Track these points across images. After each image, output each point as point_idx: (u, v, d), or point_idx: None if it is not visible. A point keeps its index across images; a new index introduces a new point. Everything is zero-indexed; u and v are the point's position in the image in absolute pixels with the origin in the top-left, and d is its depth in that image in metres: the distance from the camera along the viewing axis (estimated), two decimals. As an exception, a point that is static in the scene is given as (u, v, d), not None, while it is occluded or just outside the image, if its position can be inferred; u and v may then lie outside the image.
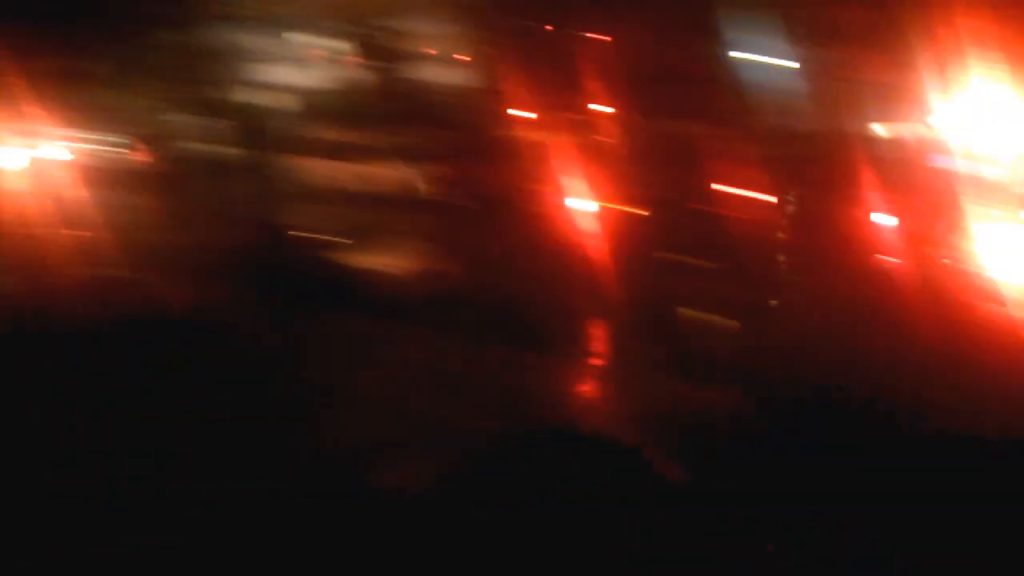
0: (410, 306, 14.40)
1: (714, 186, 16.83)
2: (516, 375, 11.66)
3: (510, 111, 24.24)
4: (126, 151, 31.08)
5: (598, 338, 13.18)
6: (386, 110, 32.03)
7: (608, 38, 25.57)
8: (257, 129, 34.47)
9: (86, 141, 31.81)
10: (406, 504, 8.92)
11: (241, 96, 40.42)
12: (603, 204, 16.43)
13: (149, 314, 14.24)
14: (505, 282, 15.68)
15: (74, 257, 17.40)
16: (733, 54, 19.44)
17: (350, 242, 15.44)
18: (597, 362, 12.56)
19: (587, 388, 11.68)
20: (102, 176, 29.22)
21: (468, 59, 34.34)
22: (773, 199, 16.83)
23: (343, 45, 32.56)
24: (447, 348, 13.00)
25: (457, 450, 9.67)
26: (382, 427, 10.35)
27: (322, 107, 35.75)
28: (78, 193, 23.27)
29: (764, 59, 18.78)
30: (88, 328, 12.63)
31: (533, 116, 19.31)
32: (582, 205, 16.69)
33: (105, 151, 31.51)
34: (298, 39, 39.13)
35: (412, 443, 9.90)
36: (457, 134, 26.81)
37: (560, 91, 19.96)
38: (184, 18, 15.17)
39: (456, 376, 11.87)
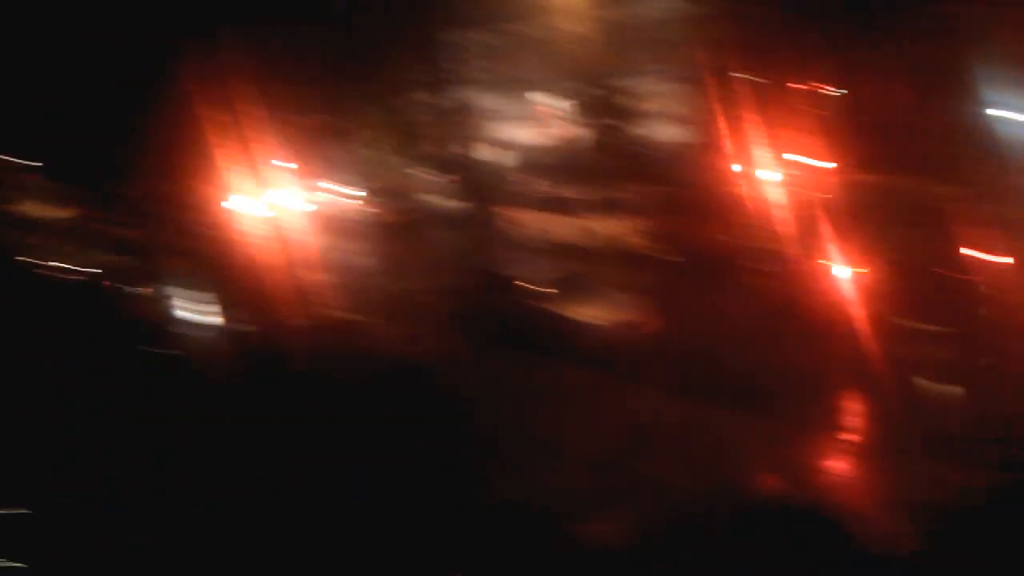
0: (623, 359, 14.27)
1: (951, 247, 15.62)
2: (729, 437, 11.15)
3: (730, 166, 23.77)
4: (364, 201, 33.35)
5: (819, 404, 12.35)
6: (608, 165, 32.45)
7: (840, 91, 24.60)
8: (483, 183, 35.97)
9: (329, 192, 34.48)
10: (607, 559, 8.74)
11: (473, 151, 42.45)
12: (827, 263, 15.57)
13: (369, 356, 14.95)
14: (717, 339, 15.21)
15: (304, 299, 18.75)
16: (982, 110, 18.05)
17: (567, 293, 15.58)
18: (817, 429, 11.72)
19: (808, 456, 10.91)
20: (339, 225, 31.52)
21: (690, 115, 34.20)
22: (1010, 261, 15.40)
23: (571, 103, 33.51)
24: (657, 404, 12.72)
25: (662, 508, 9.38)
26: (588, 479, 10.23)
27: (547, 162, 36.79)
28: (316, 239, 25.20)
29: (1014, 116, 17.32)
30: (311, 365, 13.37)
31: (754, 171, 18.78)
32: (805, 263, 15.93)
33: (344, 201, 33.96)
34: (532, 98, 40.65)
35: (617, 497, 9.70)
36: (675, 189, 26.63)
37: (784, 146, 19.37)
38: (432, 80, 16.18)
39: (665, 433, 11.54)
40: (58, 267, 22.49)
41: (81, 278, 21.12)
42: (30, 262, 22.82)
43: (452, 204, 21.64)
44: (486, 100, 44.29)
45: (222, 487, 9.69)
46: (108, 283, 20.55)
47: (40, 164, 24.59)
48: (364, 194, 34.12)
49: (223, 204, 23.44)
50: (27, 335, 13.92)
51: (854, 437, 11.45)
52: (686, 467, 10.31)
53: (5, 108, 18.53)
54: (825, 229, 15.69)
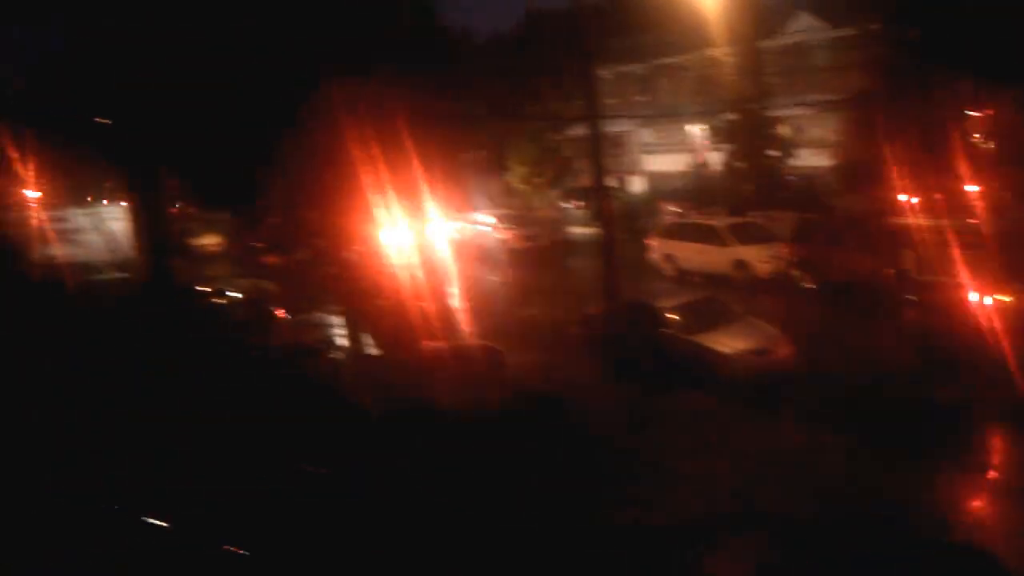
0: (755, 388, 14.07)
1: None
2: (866, 469, 10.79)
3: (872, 192, 23.05)
4: (508, 231, 34.21)
5: (965, 437, 11.73)
6: (754, 192, 32.05)
7: (986, 114, 23.56)
8: (629, 212, 36.25)
9: (474, 222, 35.59)
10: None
11: (622, 182, 42.81)
12: (972, 291, 14.86)
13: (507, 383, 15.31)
14: (857, 368, 14.76)
15: (442, 326, 19.32)
16: None
17: (704, 321, 15.49)
18: (962, 464, 11.12)
19: (951, 493, 10.35)
20: (482, 253, 32.42)
21: (837, 141, 33.45)
22: None
23: (720, 132, 33.49)
24: (792, 433, 12.45)
25: (786, 540, 9.20)
26: (717, 508, 10.14)
27: (692, 190, 36.77)
28: (463, 267, 26.01)
29: None
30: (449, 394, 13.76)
31: (897, 197, 18.18)
32: (949, 291, 15.25)
33: (489, 231, 34.95)
34: (682, 128, 40.82)
35: (742, 527, 9.58)
36: (819, 216, 26.04)
37: (926, 170, 18.70)
38: (587, 115, 16.60)
39: (796, 464, 11.30)
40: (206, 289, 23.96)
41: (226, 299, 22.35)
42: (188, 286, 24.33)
43: (596, 232, 22.00)
44: (638, 132, 44.88)
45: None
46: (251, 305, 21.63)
47: (196, 195, 26.23)
48: (514, 224, 35.15)
49: (376, 234, 24.59)
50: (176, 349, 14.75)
51: (1002, 473, 10.84)
52: (818, 499, 10.07)
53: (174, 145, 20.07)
54: (970, 255, 15.00)
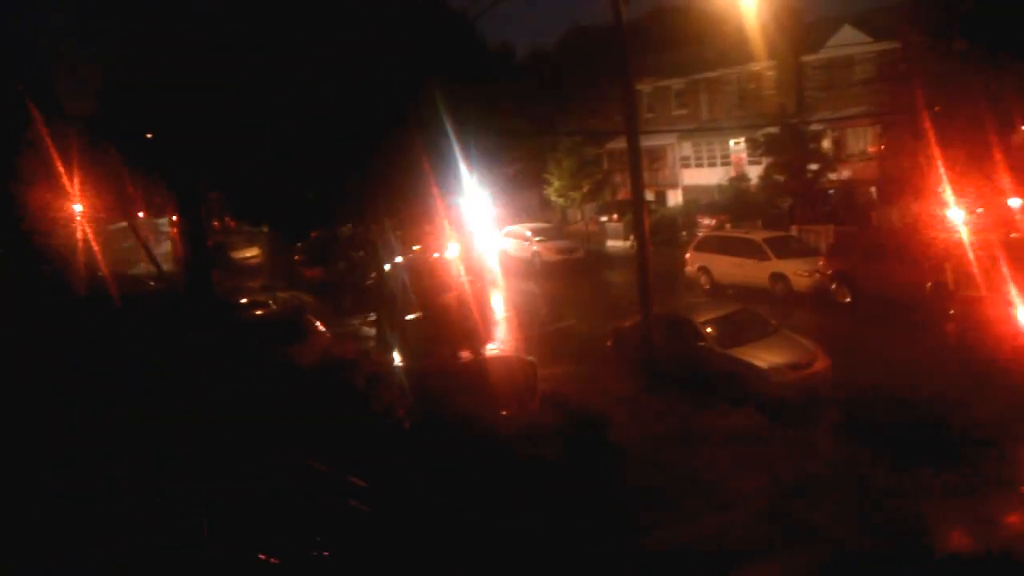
0: (792, 402, 13.89)
1: None
2: (904, 486, 10.56)
3: (910, 204, 22.72)
4: (544, 244, 34.40)
5: (1005, 452, 11.43)
6: (792, 206, 31.80)
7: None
8: (666, 225, 36.23)
9: (511, 235, 35.88)
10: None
11: (654, 196, 42.82)
12: (1013, 305, 14.52)
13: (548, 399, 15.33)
14: (895, 383, 14.51)
15: (477, 338, 19.36)
16: None
17: (741, 335, 15.34)
18: (1003, 479, 10.83)
19: (991, 509, 10.08)
20: (519, 265, 32.58)
21: (879, 154, 33.11)
22: None
23: (760, 145, 33.35)
24: (827, 450, 12.26)
25: (826, 559, 9.04)
26: (750, 527, 9.99)
27: (730, 204, 36.60)
28: (497, 279, 26.18)
29: None
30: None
31: (940, 209, 17.88)
32: (990, 305, 14.94)
33: (526, 244, 35.15)
34: (722, 142, 40.80)
35: (779, 545, 9.41)
36: (856, 230, 25.71)
37: (971, 182, 18.38)
38: (626, 129, 16.68)
39: (835, 481, 11.11)
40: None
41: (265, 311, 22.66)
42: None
43: (632, 246, 22.11)
44: (677, 145, 44.84)
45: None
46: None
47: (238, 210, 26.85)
48: (550, 237, 35.37)
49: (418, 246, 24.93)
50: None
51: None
52: (857, 518, 9.90)
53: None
54: (1015, 269, 14.68)
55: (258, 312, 22.28)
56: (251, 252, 39.85)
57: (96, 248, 26.19)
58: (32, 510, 8.82)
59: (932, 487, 10.75)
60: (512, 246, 35.88)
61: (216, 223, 39.87)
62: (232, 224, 42.22)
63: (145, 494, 9.35)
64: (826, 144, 35.11)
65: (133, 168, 28.09)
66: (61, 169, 24.33)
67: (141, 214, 37.69)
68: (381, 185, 18.83)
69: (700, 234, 30.50)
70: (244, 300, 24.31)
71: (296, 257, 32.76)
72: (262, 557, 8.85)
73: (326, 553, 9.13)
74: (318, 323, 20.41)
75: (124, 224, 37.13)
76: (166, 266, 34.18)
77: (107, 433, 11.08)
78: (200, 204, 20.91)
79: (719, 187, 40.24)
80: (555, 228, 38.68)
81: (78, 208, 26.75)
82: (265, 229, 32.23)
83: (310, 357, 17.96)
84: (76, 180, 25.14)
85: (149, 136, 23.19)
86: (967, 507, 10.28)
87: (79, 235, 25.37)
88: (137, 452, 10.32)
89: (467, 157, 20.34)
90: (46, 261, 23.03)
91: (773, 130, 32.25)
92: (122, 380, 13.26)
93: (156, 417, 11.56)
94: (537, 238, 35.05)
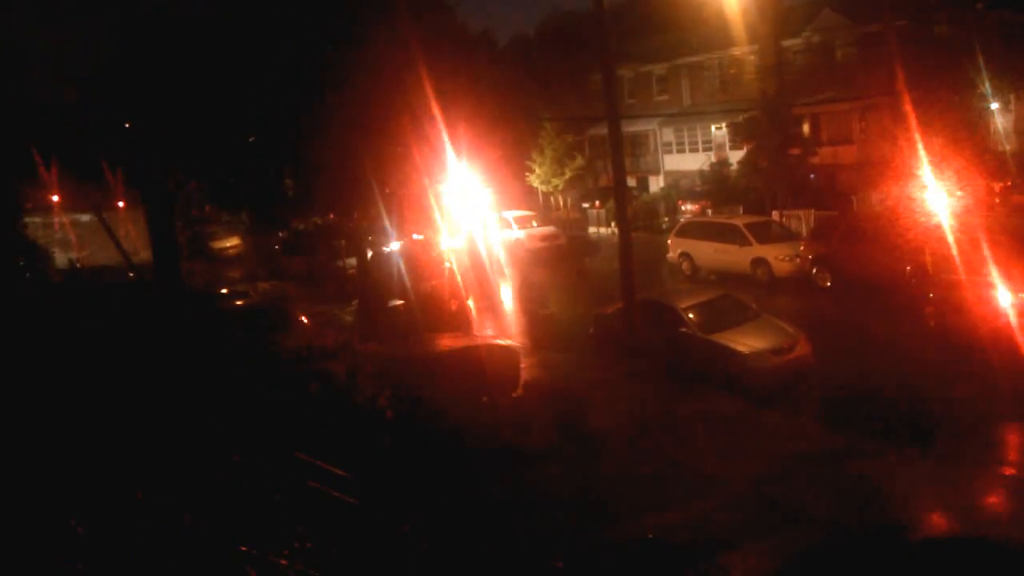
0: (773, 386, 13.93)
1: None
2: (883, 469, 10.60)
3: (894, 188, 22.79)
4: (526, 231, 34.42)
5: (981, 435, 11.50)
6: (773, 191, 31.85)
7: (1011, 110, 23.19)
8: (645, 212, 36.24)
9: (493, 222, 35.75)
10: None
11: (636, 182, 42.83)
12: (992, 287, 14.60)
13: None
14: (868, 365, 14.59)
15: (458, 324, 19.35)
16: None
17: (721, 320, 15.34)
18: (978, 462, 10.89)
19: (968, 491, 10.13)
20: (501, 252, 32.53)
21: (859, 138, 33.20)
22: None
23: (736, 131, 33.37)
24: (808, 433, 12.30)
25: (811, 542, 9.06)
26: (735, 512, 10.00)
27: (711, 189, 36.66)
28: (479, 266, 26.11)
29: None
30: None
31: (920, 193, 17.95)
32: (969, 288, 15.01)
33: (508, 231, 35.14)
34: (704, 127, 40.79)
35: (763, 529, 9.42)
36: (837, 215, 25.80)
37: (951, 166, 18.45)
38: (608, 116, 16.63)
39: (820, 465, 11.13)
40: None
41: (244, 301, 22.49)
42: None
43: (615, 232, 22.09)
44: (659, 131, 44.82)
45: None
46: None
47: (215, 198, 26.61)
48: (532, 224, 35.34)
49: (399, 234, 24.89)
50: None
51: (1020, 471, 10.61)
52: (839, 500, 9.93)
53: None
54: (994, 252, 14.76)
55: (238, 302, 22.11)
56: (231, 242, 39.53)
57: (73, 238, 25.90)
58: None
59: (911, 470, 10.81)
60: (494, 234, 35.87)
61: (195, 212, 39.51)
62: (211, 213, 41.86)
63: (125, 484, 9.23)
64: (807, 129, 35.15)
65: (109, 157, 27.77)
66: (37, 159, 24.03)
67: (121, 204, 37.25)
68: (358, 172, 18.69)
69: (682, 220, 30.54)
70: (224, 290, 24.12)
71: (277, 246, 32.54)
72: (244, 549, 8.75)
73: (309, 545, 9.03)
74: (299, 313, 20.28)
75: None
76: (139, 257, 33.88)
77: (86, 424, 10.94)
78: (171, 194, 20.60)
79: (701, 173, 40.27)
80: (537, 215, 38.64)
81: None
82: (245, 218, 31.98)
83: (292, 347, 17.83)
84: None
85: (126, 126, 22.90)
86: (946, 489, 10.35)
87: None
88: (115, 443, 10.19)
89: (453, 143, 20.21)
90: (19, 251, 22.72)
91: (755, 114, 32.26)
92: (95, 371, 13.08)
93: (132, 409, 11.42)
94: (518, 226, 35.01)
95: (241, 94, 18.13)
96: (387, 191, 20.17)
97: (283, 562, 8.41)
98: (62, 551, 7.87)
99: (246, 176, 20.13)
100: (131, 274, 28.63)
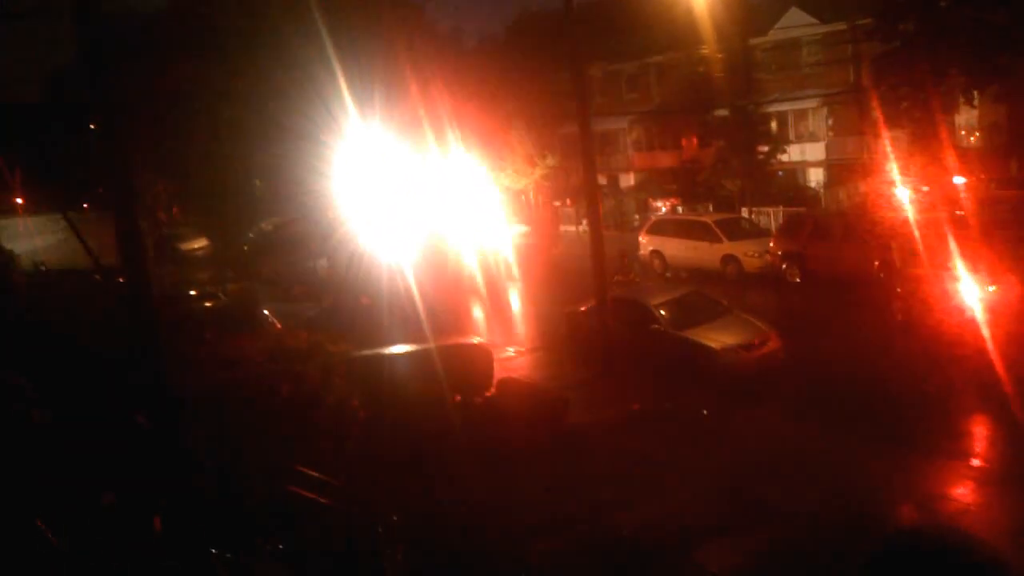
0: (744, 382, 14.03)
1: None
2: (855, 462, 10.70)
3: (867, 184, 23.02)
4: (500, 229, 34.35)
5: (951, 428, 11.64)
6: (742, 188, 32.09)
7: (974, 107, 23.48)
8: (618, 209, 36.25)
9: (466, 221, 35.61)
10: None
11: (607, 180, 42.80)
12: (961, 280, 14.82)
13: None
14: (846, 362, 14.73)
15: (430, 324, 19.17)
16: None
17: (693, 316, 15.40)
18: (948, 454, 11.02)
19: (938, 483, 10.25)
20: (474, 252, 32.38)
21: (828, 135, 33.52)
22: None
23: (705, 129, 33.54)
24: (779, 428, 12.37)
25: (787, 536, 9.12)
26: (710, 506, 10.04)
27: (680, 187, 36.78)
28: (452, 266, 25.95)
29: None
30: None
31: (891, 188, 18.15)
32: (938, 282, 15.21)
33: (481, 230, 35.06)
34: (671, 125, 40.69)
35: (739, 523, 9.46)
36: (805, 211, 26.03)
37: (923, 162, 18.67)
38: (576, 113, 16.64)
39: (791, 460, 11.21)
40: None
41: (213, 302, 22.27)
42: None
43: (585, 231, 22.11)
44: (629, 129, 44.99)
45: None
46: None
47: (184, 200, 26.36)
48: (505, 223, 35.25)
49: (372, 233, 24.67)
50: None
51: (987, 463, 10.77)
52: (811, 494, 10.01)
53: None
54: (960, 246, 14.98)
55: (207, 304, 21.85)
56: (199, 243, 39.08)
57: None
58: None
59: (882, 462, 10.93)
60: (467, 233, 35.75)
61: (163, 215, 39.02)
62: (179, 216, 41.37)
63: (96, 487, 9.11)
64: (775, 126, 35.47)
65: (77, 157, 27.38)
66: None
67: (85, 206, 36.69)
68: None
69: (653, 217, 30.65)
70: (193, 292, 23.82)
71: (245, 247, 32.22)
72: (215, 551, 8.66)
73: (281, 546, 8.95)
74: (268, 314, 20.08)
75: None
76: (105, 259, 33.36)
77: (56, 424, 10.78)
78: (136, 195, 20.36)
79: (671, 170, 40.49)
80: (510, 214, 38.57)
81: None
82: (213, 220, 31.67)
83: (261, 348, 17.66)
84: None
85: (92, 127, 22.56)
86: (916, 480, 10.48)
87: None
88: (89, 445, 10.05)
89: (418, 141, 20.15)
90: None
91: (723, 112, 32.47)
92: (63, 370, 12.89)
93: (103, 409, 11.26)
94: (491, 224, 34.90)
95: (208, 93, 17.97)
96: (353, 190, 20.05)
97: (255, 563, 8.33)
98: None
99: (213, 177, 19.94)
100: (97, 276, 28.14)
